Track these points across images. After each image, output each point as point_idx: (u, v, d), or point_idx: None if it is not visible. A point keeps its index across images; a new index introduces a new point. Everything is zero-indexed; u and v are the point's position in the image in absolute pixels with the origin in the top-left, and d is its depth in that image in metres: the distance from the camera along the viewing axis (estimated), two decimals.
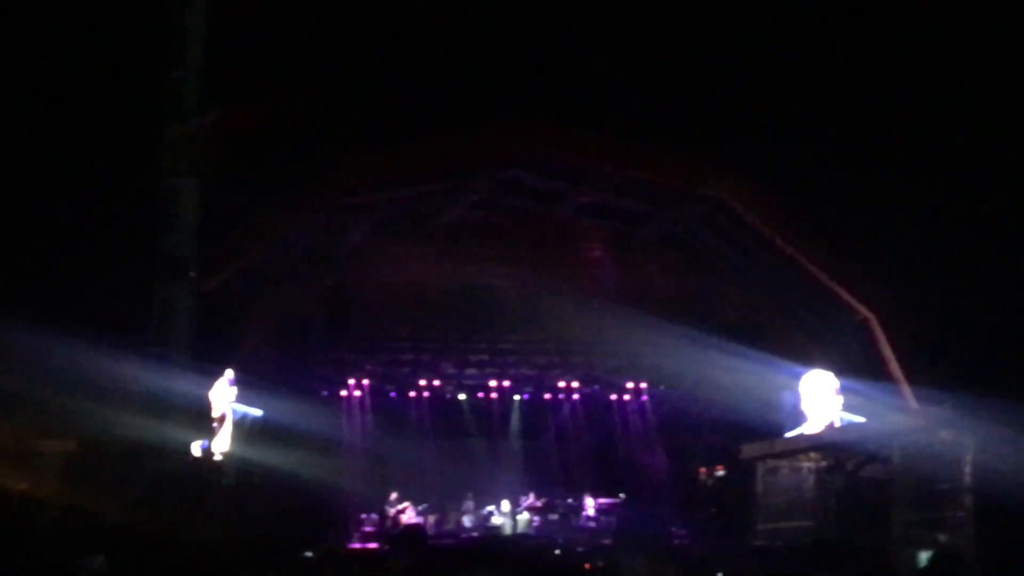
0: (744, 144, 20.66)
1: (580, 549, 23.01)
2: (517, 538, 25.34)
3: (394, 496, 26.51)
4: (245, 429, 21.40)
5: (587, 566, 10.74)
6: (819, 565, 8.38)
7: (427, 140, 21.48)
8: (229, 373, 20.70)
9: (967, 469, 15.50)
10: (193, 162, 13.68)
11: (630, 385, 29.62)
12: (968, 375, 17.95)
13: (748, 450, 21.93)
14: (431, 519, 26.25)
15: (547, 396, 29.78)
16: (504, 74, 20.30)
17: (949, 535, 15.37)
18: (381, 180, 22.69)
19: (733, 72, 19.74)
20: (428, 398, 29.04)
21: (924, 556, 12.16)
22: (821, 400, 21.19)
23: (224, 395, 20.57)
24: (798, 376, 22.15)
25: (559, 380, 29.51)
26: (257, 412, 21.98)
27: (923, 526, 16.16)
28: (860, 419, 19.71)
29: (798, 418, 21.83)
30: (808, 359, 23.29)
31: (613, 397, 29.93)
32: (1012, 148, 16.39)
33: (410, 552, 7.87)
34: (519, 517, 26.75)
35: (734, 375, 23.10)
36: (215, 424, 19.96)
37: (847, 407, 20.64)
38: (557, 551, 21.29)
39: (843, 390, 20.86)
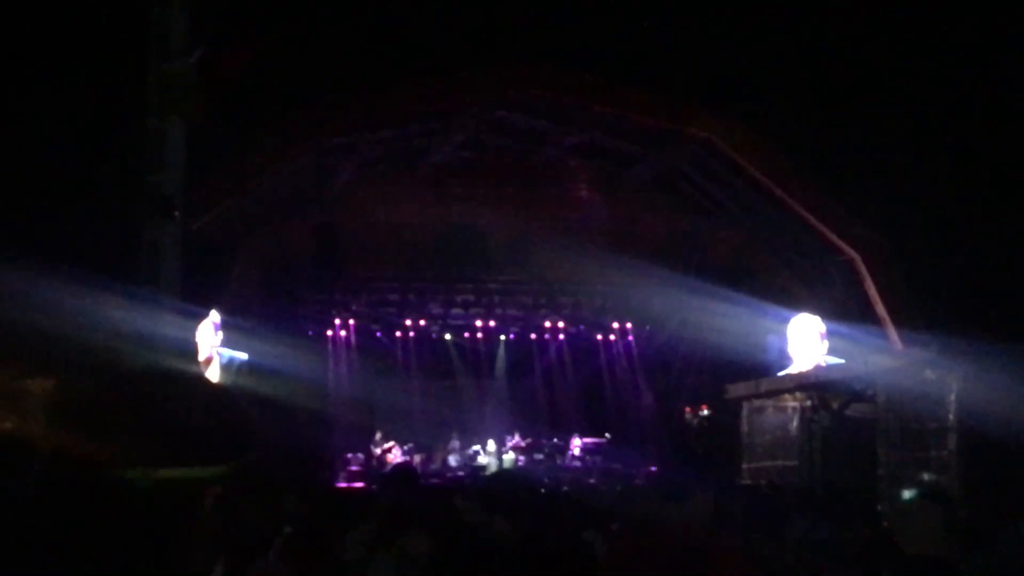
0: (733, 84, 20.60)
1: (565, 488, 23.14)
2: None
3: (380, 436, 26.61)
4: (232, 373, 21.43)
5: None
6: (803, 509, 8.44)
7: (414, 80, 21.37)
8: (215, 316, 20.69)
9: (952, 408, 15.60)
10: (179, 102, 13.53)
11: (616, 326, 29.72)
12: (953, 315, 18.02)
13: (733, 390, 22.05)
14: (417, 459, 26.34)
15: (533, 336, 29.85)
16: (492, 13, 20.17)
17: (934, 474, 15.49)
18: (368, 120, 22.58)
19: (722, 11, 19.64)
20: (414, 338, 29.13)
21: (909, 494, 12.23)
22: (807, 344, 21.30)
23: (210, 338, 20.57)
24: (785, 320, 22.24)
25: (545, 320, 29.58)
26: (243, 355, 22.01)
27: (908, 465, 16.28)
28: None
29: (784, 362, 21.94)
30: (796, 302, 23.37)
31: (599, 338, 30.02)
32: (1002, 87, 16.35)
33: (401, 491, 7.88)
34: (505, 457, 26.87)
35: (721, 317, 23.13)
36: (202, 367, 19.97)
37: (832, 351, 20.75)
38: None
39: (829, 334, 20.96)
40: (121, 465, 1.77)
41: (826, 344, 20.98)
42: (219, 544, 2.01)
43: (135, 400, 1.82)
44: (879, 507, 13.75)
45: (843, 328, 20.56)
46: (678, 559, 5.01)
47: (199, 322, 19.80)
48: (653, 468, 23.24)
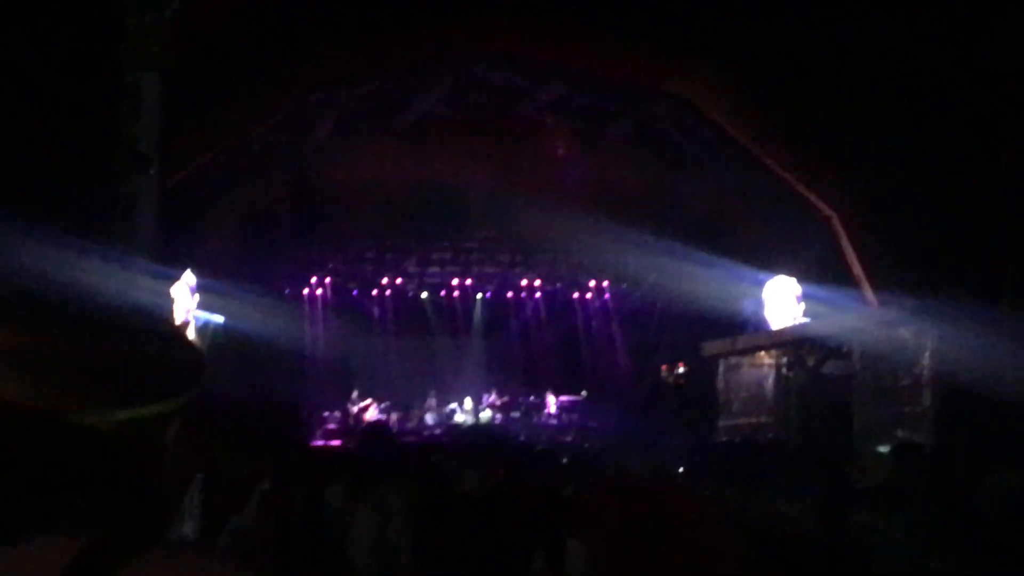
0: (710, 40, 20.55)
1: (540, 447, 23.19)
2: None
3: (356, 394, 26.63)
4: (208, 335, 21.40)
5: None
6: (776, 463, 8.50)
7: (392, 34, 21.24)
8: (191, 278, 20.59)
9: (926, 365, 15.71)
10: (155, 55, 13.46)
11: (593, 284, 29.77)
12: (928, 274, 18.09)
13: (709, 347, 22.15)
14: (394, 417, 26.37)
15: (510, 295, 29.88)
16: None
17: (908, 430, 15.60)
18: (345, 75, 22.45)
19: None
20: (391, 296, 29.11)
21: (884, 451, 12.34)
22: (783, 306, 21.41)
23: (186, 301, 20.50)
24: (761, 283, 22.34)
25: (522, 279, 29.60)
26: (219, 319, 21.96)
27: (883, 421, 16.40)
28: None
29: (760, 324, 22.06)
30: (772, 261, 23.43)
31: (576, 295, 30.08)
32: (980, 51, 16.36)
33: (375, 448, 7.91)
34: (481, 415, 26.94)
35: (697, 275, 23.19)
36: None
37: (808, 314, 20.86)
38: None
39: (805, 297, 21.06)
40: (79, 411, 1.78)
41: (802, 307, 21.10)
42: (184, 475, 2.04)
43: (89, 346, 1.83)
44: (855, 463, 13.84)
45: (819, 291, 20.65)
46: (649, 510, 5.04)
47: (174, 283, 19.75)
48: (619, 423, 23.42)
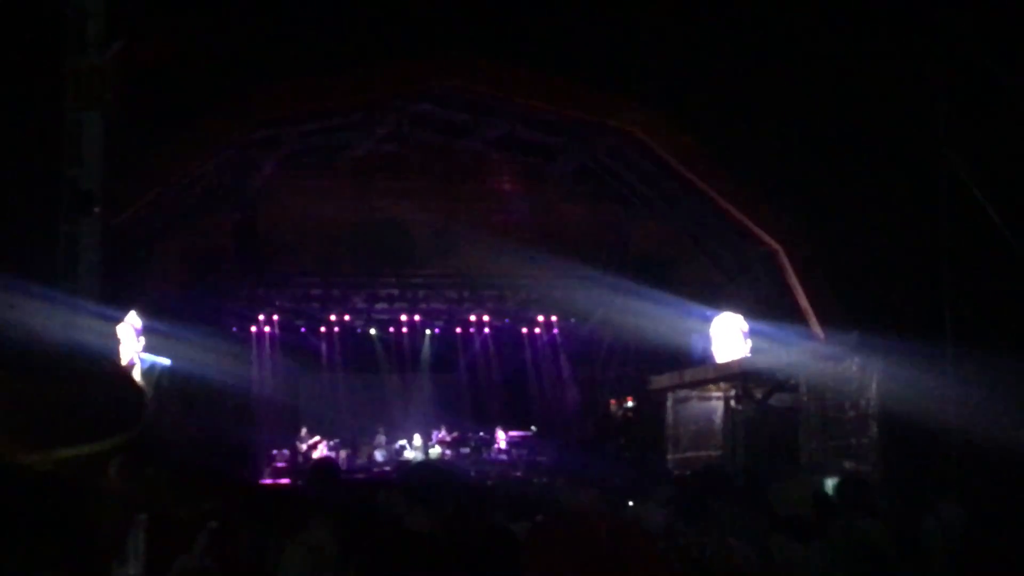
0: (653, 77, 20.71)
1: (490, 483, 23.17)
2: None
3: (305, 432, 26.52)
4: (154, 378, 21.20)
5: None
6: (720, 491, 8.52)
7: (337, 72, 21.27)
8: (136, 320, 20.39)
9: (872, 397, 15.83)
10: (97, 95, 13.37)
11: (541, 319, 29.79)
12: (874, 307, 18.26)
13: (657, 381, 22.23)
14: (343, 454, 26.28)
15: (458, 330, 29.85)
16: (414, 6, 20.14)
17: (854, 461, 15.70)
18: (290, 113, 22.43)
19: (641, 5, 19.74)
20: (339, 333, 29.01)
21: (830, 483, 12.40)
22: (730, 342, 21.52)
23: (131, 344, 20.31)
24: (708, 319, 22.44)
25: (470, 314, 29.58)
26: (165, 361, 21.76)
27: (829, 453, 16.51)
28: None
29: (708, 359, 22.16)
30: (719, 294, 23.58)
31: (524, 331, 30.09)
32: (919, 80, 16.57)
33: (321, 486, 7.87)
34: (431, 451, 26.89)
35: (644, 310, 23.27)
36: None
37: (755, 351, 20.97)
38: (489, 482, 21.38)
39: (752, 333, 21.17)
40: (17, 451, 1.76)
41: (749, 343, 21.21)
42: (126, 514, 2.02)
43: (28, 387, 1.82)
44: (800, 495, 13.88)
45: (765, 327, 20.78)
46: (596, 548, 5.05)
47: (117, 324, 19.52)
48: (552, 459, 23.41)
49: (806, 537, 7.03)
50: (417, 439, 27.13)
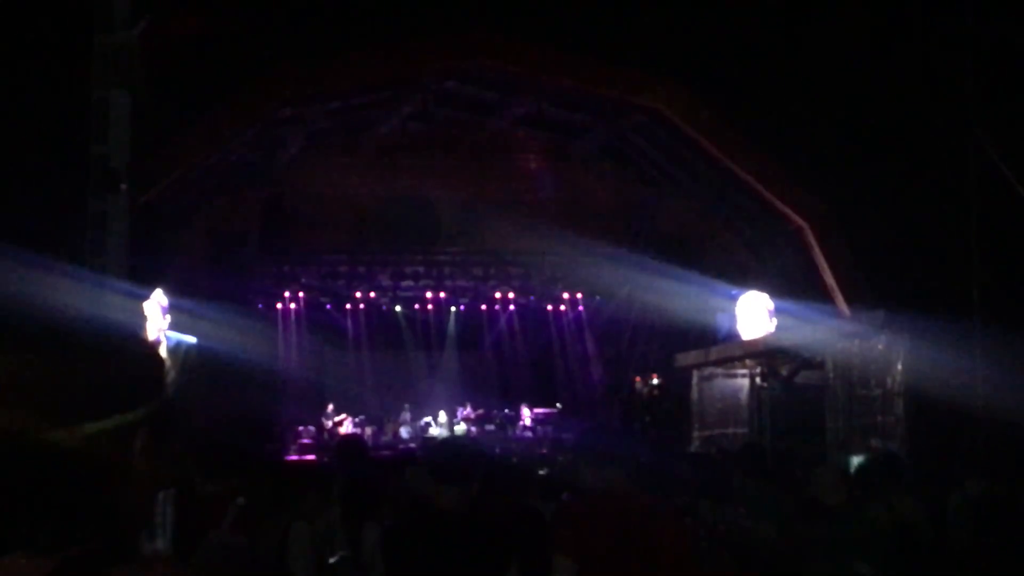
0: (680, 53, 20.62)
1: (514, 459, 23.17)
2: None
3: (331, 408, 26.57)
4: (180, 356, 21.26)
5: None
6: (750, 470, 8.52)
7: (363, 50, 21.26)
8: (163, 298, 20.43)
9: (898, 375, 15.78)
10: (124, 73, 13.41)
11: (566, 296, 29.75)
12: (900, 285, 18.18)
13: (683, 359, 22.18)
14: (368, 431, 26.30)
15: (483, 307, 29.83)
16: None
17: (881, 439, 15.66)
18: (316, 91, 22.45)
19: None
20: (364, 310, 29.04)
21: (856, 460, 12.38)
22: (755, 321, 21.44)
23: (158, 321, 20.35)
24: (734, 298, 22.36)
25: (495, 291, 29.55)
26: (191, 339, 21.81)
27: (856, 431, 16.46)
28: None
29: (733, 337, 22.08)
30: (744, 274, 23.50)
31: (549, 308, 30.05)
32: (948, 57, 16.46)
33: (350, 463, 7.90)
34: (456, 428, 26.88)
35: (670, 287, 23.21)
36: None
37: (780, 329, 20.88)
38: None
39: (777, 311, 21.09)
40: (45, 428, 1.78)
41: (775, 321, 21.13)
42: (153, 489, 2.04)
43: (54, 363, 1.84)
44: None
45: (791, 305, 20.68)
46: (623, 526, 5.06)
47: (144, 302, 19.60)
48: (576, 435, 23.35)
49: (833, 517, 7.01)
50: (442, 416, 27.13)
